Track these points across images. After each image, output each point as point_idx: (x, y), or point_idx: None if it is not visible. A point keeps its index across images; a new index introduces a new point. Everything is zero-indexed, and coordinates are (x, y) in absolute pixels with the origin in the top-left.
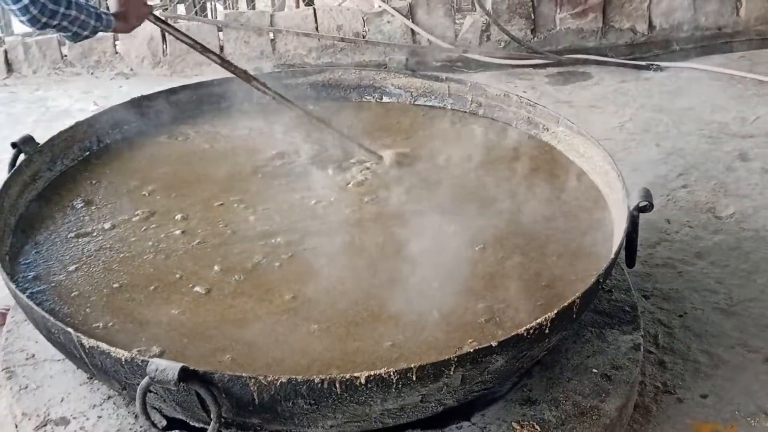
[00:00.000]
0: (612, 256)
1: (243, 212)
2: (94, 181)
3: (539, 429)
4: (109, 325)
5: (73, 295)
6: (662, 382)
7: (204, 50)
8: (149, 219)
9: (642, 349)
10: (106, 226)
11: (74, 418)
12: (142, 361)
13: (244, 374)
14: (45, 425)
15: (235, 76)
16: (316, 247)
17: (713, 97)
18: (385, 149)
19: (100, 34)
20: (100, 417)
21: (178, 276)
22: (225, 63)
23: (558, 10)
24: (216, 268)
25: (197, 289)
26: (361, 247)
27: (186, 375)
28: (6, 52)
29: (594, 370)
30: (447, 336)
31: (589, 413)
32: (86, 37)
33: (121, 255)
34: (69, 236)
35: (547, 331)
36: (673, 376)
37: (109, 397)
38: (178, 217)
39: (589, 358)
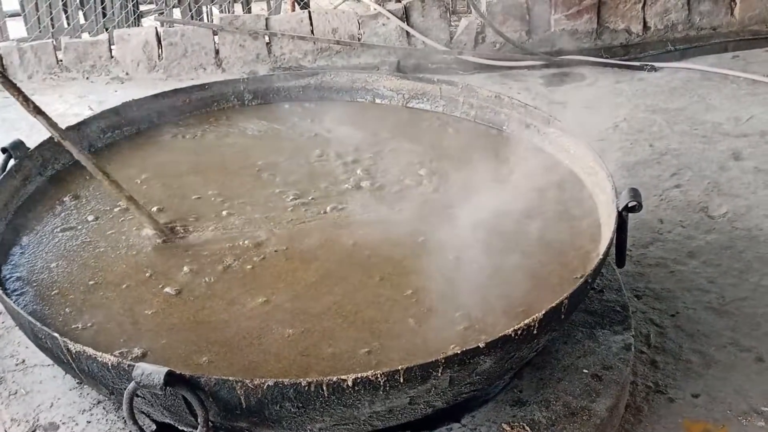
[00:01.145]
0: (600, 256)
1: (218, 206)
2: (88, 177)
3: (529, 430)
4: (88, 325)
5: (53, 293)
6: (654, 382)
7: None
8: (128, 210)
9: (633, 349)
10: (90, 218)
11: (63, 423)
12: (128, 365)
13: (230, 378)
14: (34, 431)
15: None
16: (288, 249)
17: (707, 96)
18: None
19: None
20: (89, 422)
21: (148, 275)
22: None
23: (552, 12)
24: (185, 269)
25: (167, 290)
26: (333, 251)
27: (172, 379)
28: (1, 57)
29: (585, 371)
30: (425, 343)
31: (580, 414)
32: None
33: (98, 250)
34: (55, 231)
35: (535, 332)
36: (664, 375)
37: (98, 402)
38: (155, 209)
39: (579, 358)
